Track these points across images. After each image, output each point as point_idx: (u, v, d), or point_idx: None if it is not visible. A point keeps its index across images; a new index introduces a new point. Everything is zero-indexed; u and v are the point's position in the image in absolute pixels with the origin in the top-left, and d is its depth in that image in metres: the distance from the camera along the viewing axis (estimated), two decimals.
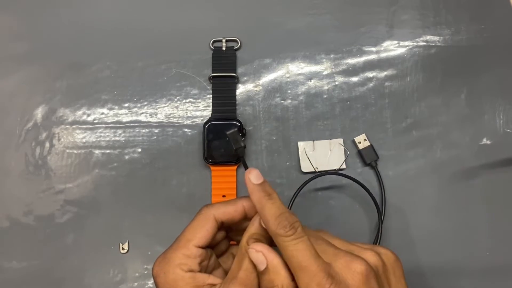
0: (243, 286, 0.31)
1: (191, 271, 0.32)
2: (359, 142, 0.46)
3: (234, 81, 0.47)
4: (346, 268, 0.30)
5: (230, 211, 0.34)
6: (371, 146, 0.46)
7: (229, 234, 0.37)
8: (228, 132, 0.34)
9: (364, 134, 0.46)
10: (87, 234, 0.45)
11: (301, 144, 0.46)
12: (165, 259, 0.33)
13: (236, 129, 0.34)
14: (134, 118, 0.47)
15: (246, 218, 0.35)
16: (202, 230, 0.33)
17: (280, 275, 0.30)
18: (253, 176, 0.33)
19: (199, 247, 0.33)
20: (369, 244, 0.34)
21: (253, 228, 0.33)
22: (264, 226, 0.32)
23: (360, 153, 0.46)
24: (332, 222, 0.45)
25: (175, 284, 0.32)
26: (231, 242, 0.38)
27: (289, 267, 0.30)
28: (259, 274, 0.31)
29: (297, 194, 0.42)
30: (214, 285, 0.32)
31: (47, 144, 0.47)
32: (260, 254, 0.31)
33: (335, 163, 0.46)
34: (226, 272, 0.35)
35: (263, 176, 0.33)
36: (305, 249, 0.30)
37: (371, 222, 0.45)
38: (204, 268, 0.34)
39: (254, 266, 0.32)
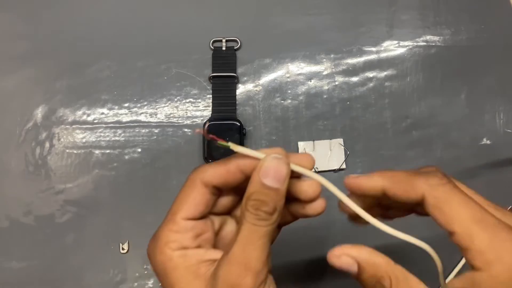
0: (237, 264, 0.25)
1: (183, 248, 0.27)
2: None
3: (234, 81, 0.47)
4: None
5: (220, 172, 0.28)
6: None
7: None
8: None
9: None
10: (87, 234, 0.45)
11: (301, 144, 0.46)
12: (154, 239, 0.28)
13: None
14: (134, 118, 0.47)
15: (248, 179, 0.28)
16: (188, 199, 0.28)
17: (380, 266, 0.26)
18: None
19: (189, 219, 0.28)
20: None
21: (251, 186, 0.26)
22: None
23: None
24: (332, 223, 0.45)
25: (164, 267, 0.27)
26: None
27: (444, 225, 0.26)
28: (355, 277, 0.26)
29: None
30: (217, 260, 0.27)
31: (47, 144, 0.47)
32: (344, 257, 0.26)
33: (335, 163, 0.46)
34: None
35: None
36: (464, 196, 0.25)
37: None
38: (209, 242, 0.28)
39: (252, 235, 0.26)
